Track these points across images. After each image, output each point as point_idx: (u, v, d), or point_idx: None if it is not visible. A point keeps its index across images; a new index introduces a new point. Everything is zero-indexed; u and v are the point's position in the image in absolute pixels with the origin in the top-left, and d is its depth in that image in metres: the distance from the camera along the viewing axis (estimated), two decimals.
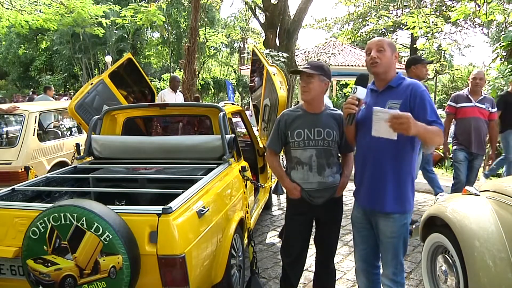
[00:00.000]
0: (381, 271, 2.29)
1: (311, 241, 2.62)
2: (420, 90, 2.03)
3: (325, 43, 18.14)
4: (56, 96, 15.01)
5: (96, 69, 26.67)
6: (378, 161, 2.08)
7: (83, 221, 1.86)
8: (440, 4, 17.83)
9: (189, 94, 9.45)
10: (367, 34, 20.60)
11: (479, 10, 9.59)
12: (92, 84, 4.20)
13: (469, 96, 4.31)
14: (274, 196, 5.58)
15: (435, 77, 24.34)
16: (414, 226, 3.32)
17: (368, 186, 2.15)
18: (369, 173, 2.14)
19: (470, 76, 4.43)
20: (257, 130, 4.59)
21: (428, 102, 2.00)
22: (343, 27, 19.88)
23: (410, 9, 12.93)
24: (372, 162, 2.11)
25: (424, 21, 11.60)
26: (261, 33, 25.49)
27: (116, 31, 24.64)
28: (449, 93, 24.39)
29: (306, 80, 2.33)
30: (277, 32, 12.03)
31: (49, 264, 1.91)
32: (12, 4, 12.23)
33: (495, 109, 4.40)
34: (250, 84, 4.92)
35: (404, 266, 2.17)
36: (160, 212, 1.95)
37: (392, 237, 2.10)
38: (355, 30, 20.11)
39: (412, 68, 3.91)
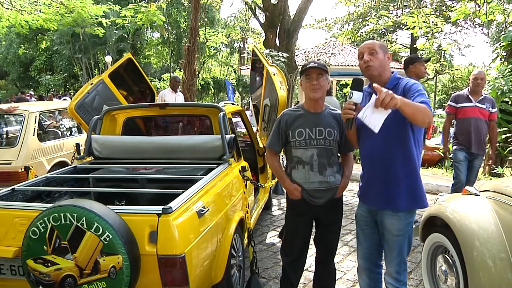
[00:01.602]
0: (383, 270, 2.29)
1: (311, 241, 2.62)
2: (410, 84, 2.04)
3: (325, 43, 18.14)
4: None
5: (96, 69, 26.66)
6: (386, 161, 2.08)
7: (83, 221, 1.86)
8: (440, 4, 17.84)
9: (189, 94, 9.45)
10: (367, 34, 20.60)
11: (479, 10, 9.59)
12: (92, 84, 4.21)
13: (469, 96, 4.30)
14: (274, 196, 5.58)
15: (435, 77, 24.35)
16: (414, 226, 3.32)
17: (379, 187, 2.14)
18: (378, 174, 2.13)
19: (470, 76, 4.40)
20: (257, 130, 4.59)
21: (414, 89, 1.99)
22: (343, 27, 19.87)
23: (410, 9, 12.93)
24: (380, 163, 2.11)
25: (424, 21, 11.60)
26: (261, 33, 25.48)
27: (116, 31, 24.62)
28: (449, 93, 24.39)
29: (317, 78, 2.33)
30: (277, 32, 12.04)
31: (49, 264, 1.91)
32: (12, 4, 12.23)
33: (495, 109, 4.38)
34: (250, 84, 4.92)
35: (407, 265, 2.18)
36: (160, 212, 1.95)
37: (398, 235, 2.11)
38: (355, 30, 20.11)
39: (410, 67, 3.90)
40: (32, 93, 14.34)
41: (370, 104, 1.86)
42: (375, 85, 1.85)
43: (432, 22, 12.06)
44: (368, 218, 2.25)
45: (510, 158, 7.66)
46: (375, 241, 2.25)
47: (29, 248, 1.94)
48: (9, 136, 5.33)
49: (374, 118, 1.86)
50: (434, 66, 22.98)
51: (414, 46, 24.17)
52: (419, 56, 4.12)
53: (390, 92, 1.76)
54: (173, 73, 17.14)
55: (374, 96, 1.83)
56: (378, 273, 2.33)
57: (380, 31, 22.63)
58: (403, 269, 2.15)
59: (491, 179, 6.64)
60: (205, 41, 22.01)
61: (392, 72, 2.15)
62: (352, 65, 15.89)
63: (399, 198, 2.07)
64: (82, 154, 3.45)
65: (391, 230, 2.12)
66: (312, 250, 2.69)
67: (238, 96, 28.45)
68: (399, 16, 14.09)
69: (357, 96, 2.07)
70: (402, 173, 2.06)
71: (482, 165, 6.19)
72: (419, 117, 1.86)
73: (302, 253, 2.58)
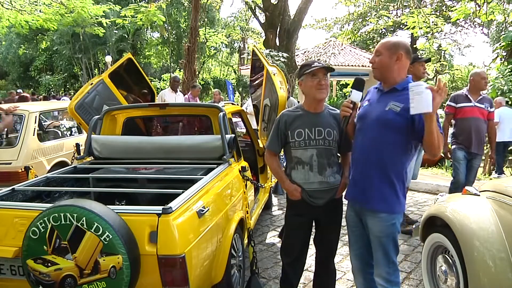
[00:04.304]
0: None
1: (311, 241, 2.62)
2: None
3: (325, 43, 18.15)
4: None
5: (96, 69, 26.67)
6: (367, 160, 2.11)
7: (83, 221, 1.86)
8: (440, 4, 17.83)
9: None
10: (367, 34, 20.61)
11: (479, 10, 9.60)
12: (92, 84, 4.20)
13: (468, 96, 4.29)
14: (274, 196, 5.58)
15: (435, 77, 24.31)
16: (414, 226, 3.32)
17: (357, 184, 2.19)
18: (358, 171, 2.17)
19: (472, 76, 4.33)
20: (257, 130, 4.59)
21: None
22: (343, 27, 19.88)
23: (410, 9, 12.94)
24: (362, 160, 2.15)
25: (424, 21, 11.61)
26: (261, 33, 25.48)
27: (116, 31, 24.62)
28: (449, 93, 24.33)
29: (323, 78, 2.33)
30: (277, 32, 12.05)
31: (49, 264, 1.91)
32: (12, 4, 12.23)
33: (493, 109, 4.39)
34: (250, 84, 4.92)
35: (397, 265, 2.16)
36: (160, 212, 1.95)
37: (379, 236, 2.11)
38: (355, 30, 20.12)
39: (409, 67, 3.88)
40: (21, 91, 14.17)
41: (423, 85, 1.85)
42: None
43: (432, 22, 12.07)
44: (356, 218, 2.27)
45: (510, 158, 7.67)
46: (366, 242, 2.25)
47: (29, 248, 1.94)
48: (9, 136, 5.32)
49: (420, 102, 1.85)
50: (434, 66, 22.97)
51: (414, 46, 24.13)
52: (419, 56, 4.10)
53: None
54: (173, 73, 17.15)
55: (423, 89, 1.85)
56: (372, 273, 2.33)
57: (380, 31, 22.61)
58: (393, 270, 2.13)
59: (491, 179, 6.64)
60: (205, 41, 22.05)
61: (407, 76, 2.14)
62: (352, 65, 15.89)
63: (374, 199, 2.09)
64: (82, 154, 3.44)
65: (374, 231, 2.14)
66: (312, 250, 2.69)
67: (238, 96, 28.43)
68: (399, 16, 14.10)
69: (356, 95, 2.13)
70: (379, 174, 2.07)
71: (482, 165, 6.19)
72: (432, 141, 1.90)
73: (302, 253, 2.58)
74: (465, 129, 4.28)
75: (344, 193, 2.51)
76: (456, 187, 4.33)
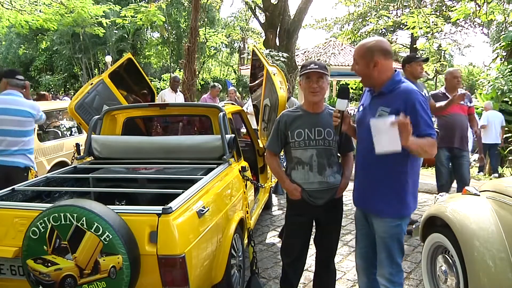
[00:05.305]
0: None
1: (311, 241, 2.62)
2: (413, 100, 1.96)
3: (325, 43, 18.14)
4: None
5: (96, 69, 26.66)
6: (369, 164, 2.11)
7: (83, 221, 1.86)
8: (440, 4, 17.83)
9: (189, 94, 9.46)
10: (367, 34, 20.57)
11: (479, 10, 9.59)
12: (92, 84, 4.20)
13: (446, 93, 4.31)
14: (274, 196, 5.58)
15: (435, 77, 24.31)
16: (414, 226, 3.32)
17: (361, 187, 2.19)
18: (362, 175, 2.18)
19: (446, 75, 4.43)
20: (257, 130, 4.59)
21: (419, 114, 1.94)
22: (343, 27, 19.85)
23: (410, 9, 12.93)
24: (364, 165, 2.15)
25: (424, 21, 11.61)
26: (261, 33, 25.48)
27: (116, 31, 24.61)
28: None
29: (318, 81, 2.33)
30: (277, 32, 12.04)
31: (49, 264, 1.91)
32: (12, 4, 12.22)
33: (472, 103, 4.46)
34: (250, 84, 4.92)
35: (401, 266, 2.16)
36: (160, 212, 1.95)
37: (384, 237, 2.11)
38: (355, 30, 20.09)
39: (406, 66, 3.90)
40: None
41: (387, 120, 1.80)
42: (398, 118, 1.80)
43: (432, 22, 12.06)
44: (363, 218, 2.28)
45: (510, 158, 7.69)
46: (372, 241, 2.25)
47: (29, 248, 1.94)
48: None
49: (384, 140, 1.83)
50: (434, 66, 22.97)
51: (414, 46, 24.14)
52: (417, 56, 4.11)
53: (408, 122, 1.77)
54: (173, 73, 17.16)
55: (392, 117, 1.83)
56: (376, 273, 2.33)
57: (380, 31, 22.60)
58: (396, 271, 2.12)
59: (491, 179, 6.65)
60: (205, 41, 22.04)
61: (395, 71, 2.11)
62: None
63: (377, 203, 2.10)
64: (82, 154, 3.45)
65: (378, 232, 2.14)
66: (312, 250, 2.69)
67: (238, 96, 28.43)
68: (399, 16, 14.09)
69: (340, 104, 2.15)
70: (383, 177, 2.07)
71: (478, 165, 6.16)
72: (426, 153, 1.93)
73: (302, 253, 2.58)
74: (447, 125, 4.27)
75: (344, 192, 2.52)
76: (442, 190, 4.33)
